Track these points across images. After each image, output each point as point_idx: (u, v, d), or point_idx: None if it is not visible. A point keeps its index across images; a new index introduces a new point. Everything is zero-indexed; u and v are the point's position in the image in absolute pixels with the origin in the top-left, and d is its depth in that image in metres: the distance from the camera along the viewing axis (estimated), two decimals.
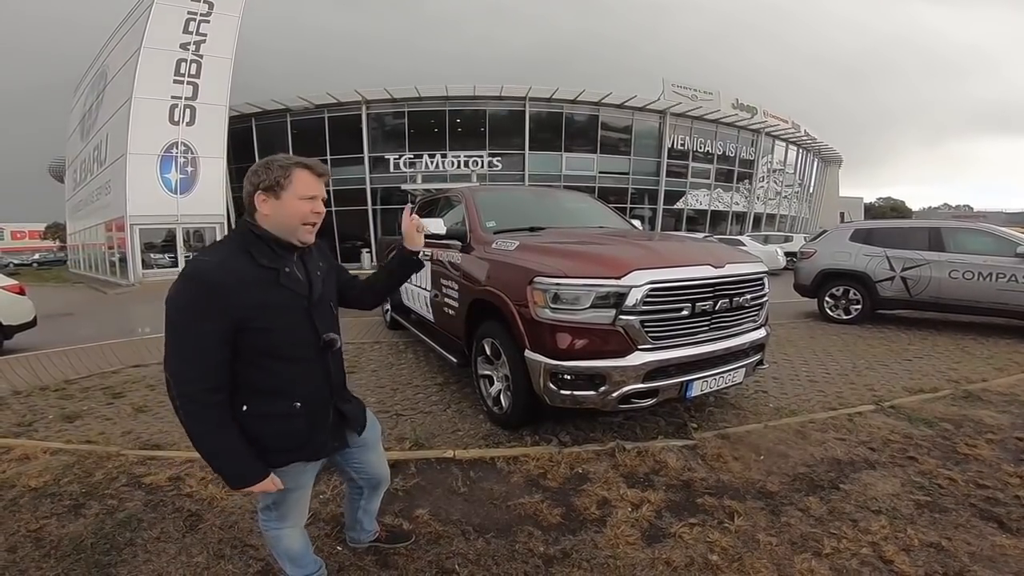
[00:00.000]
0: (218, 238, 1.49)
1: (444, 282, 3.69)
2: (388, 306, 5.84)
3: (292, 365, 1.28)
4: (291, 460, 1.33)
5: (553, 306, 2.49)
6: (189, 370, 1.16)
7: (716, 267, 2.68)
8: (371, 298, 1.72)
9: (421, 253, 1.70)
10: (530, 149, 23.07)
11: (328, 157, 21.91)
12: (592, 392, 2.48)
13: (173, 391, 1.18)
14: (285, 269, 1.27)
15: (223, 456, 1.23)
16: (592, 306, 2.45)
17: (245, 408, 1.25)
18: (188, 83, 16.30)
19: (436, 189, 12.03)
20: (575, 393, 2.50)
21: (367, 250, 20.98)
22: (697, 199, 27.44)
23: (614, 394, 2.47)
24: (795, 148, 32.89)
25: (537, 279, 2.54)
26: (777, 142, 30.86)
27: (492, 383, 3.06)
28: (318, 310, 1.33)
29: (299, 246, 1.32)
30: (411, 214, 1.71)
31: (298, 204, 1.26)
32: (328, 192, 1.36)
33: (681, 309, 2.55)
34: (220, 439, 1.21)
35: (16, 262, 36.11)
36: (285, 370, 1.27)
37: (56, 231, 43.67)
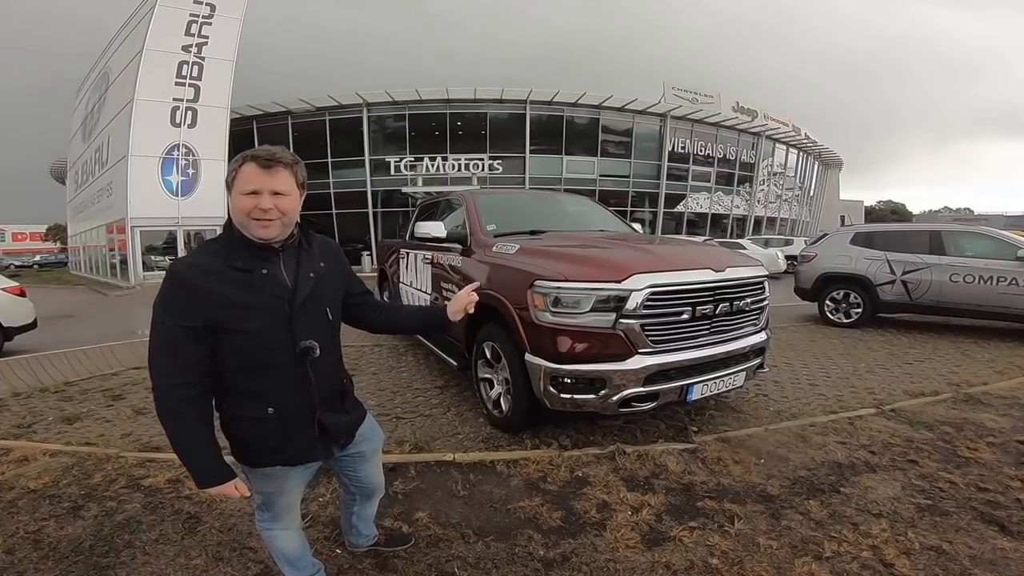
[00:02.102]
0: None
1: (445, 285, 3.69)
2: None
3: (266, 370, 1.24)
4: (273, 463, 1.33)
5: (554, 309, 2.49)
6: (165, 366, 1.18)
7: (716, 271, 2.68)
8: (379, 326, 1.64)
9: (450, 314, 1.63)
10: (531, 152, 23.12)
11: (329, 160, 21.96)
12: (592, 396, 2.48)
13: (151, 384, 1.19)
14: (262, 271, 1.22)
15: (191, 453, 1.22)
16: (592, 310, 2.45)
17: (224, 406, 1.27)
18: (190, 85, 16.35)
19: (437, 192, 12.05)
20: (575, 396, 2.49)
21: (367, 253, 20.98)
22: (697, 202, 27.48)
23: (614, 398, 2.46)
24: (795, 151, 32.96)
25: (538, 282, 2.54)
26: (777, 145, 30.93)
27: (492, 386, 3.06)
28: (301, 315, 1.25)
29: (287, 244, 1.28)
30: (473, 293, 1.62)
31: (240, 200, 1.20)
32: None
33: (681, 313, 2.55)
34: (190, 436, 1.20)
35: (17, 263, 36.13)
36: (259, 374, 1.24)
37: (57, 233, 43.67)
